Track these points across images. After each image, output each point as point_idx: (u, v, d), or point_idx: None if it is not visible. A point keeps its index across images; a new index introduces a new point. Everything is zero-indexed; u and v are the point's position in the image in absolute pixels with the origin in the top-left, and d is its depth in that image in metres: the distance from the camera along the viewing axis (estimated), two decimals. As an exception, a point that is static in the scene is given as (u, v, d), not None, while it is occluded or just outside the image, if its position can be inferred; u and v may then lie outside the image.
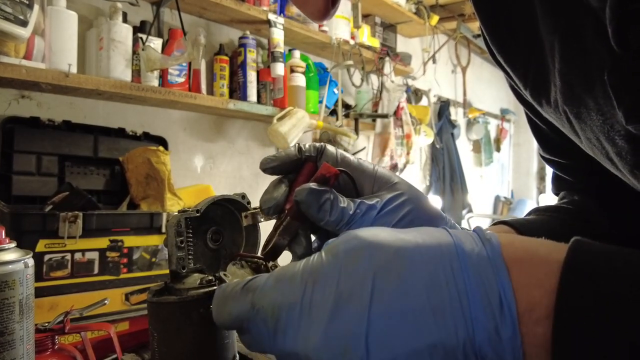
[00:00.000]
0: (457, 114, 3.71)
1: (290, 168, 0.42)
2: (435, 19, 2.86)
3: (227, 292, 0.33)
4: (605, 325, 0.24)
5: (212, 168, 1.92)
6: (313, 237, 0.43)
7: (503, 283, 0.27)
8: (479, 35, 3.40)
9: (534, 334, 0.26)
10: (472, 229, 0.31)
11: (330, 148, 0.42)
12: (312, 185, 0.37)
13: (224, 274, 0.38)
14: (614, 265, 0.26)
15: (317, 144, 0.43)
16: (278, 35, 1.81)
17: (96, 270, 1.15)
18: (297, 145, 0.42)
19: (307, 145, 0.42)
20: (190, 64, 1.63)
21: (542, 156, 0.61)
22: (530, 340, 0.26)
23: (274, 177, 0.43)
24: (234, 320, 0.32)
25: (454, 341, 0.27)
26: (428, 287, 0.27)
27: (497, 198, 4.45)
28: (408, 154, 2.48)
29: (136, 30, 1.50)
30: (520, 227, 0.51)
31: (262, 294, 0.31)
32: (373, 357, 0.27)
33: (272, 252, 0.40)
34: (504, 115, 4.45)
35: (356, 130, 2.30)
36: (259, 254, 0.42)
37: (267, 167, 0.41)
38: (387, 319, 0.27)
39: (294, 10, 2.01)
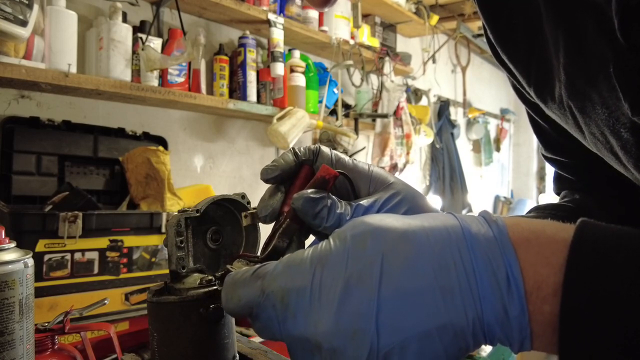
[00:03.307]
0: (457, 114, 3.71)
1: (291, 174, 0.42)
2: (435, 18, 2.86)
3: (237, 278, 0.33)
4: (614, 302, 0.24)
5: (212, 168, 1.92)
6: (309, 240, 0.43)
7: (510, 262, 0.27)
8: (479, 35, 3.41)
9: (541, 311, 0.26)
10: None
11: (325, 149, 0.42)
12: (310, 192, 0.37)
13: (231, 267, 0.38)
14: (621, 242, 0.26)
15: (312, 147, 0.43)
16: (278, 35, 1.81)
17: (96, 270, 1.15)
18: (292, 149, 0.42)
19: (302, 149, 0.42)
20: (190, 63, 1.63)
21: (543, 155, 0.61)
22: (537, 318, 0.26)
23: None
24: (244, 306, 0.32)
25: (464, 321, 0.27)
26: (436, 269, 0.28)
27: (497, 198, 4.46)
28: (408, 153, 2.48)
29: (136, 30, 1.50)
30: None
31: (271, 279, 0.31)
32: (383, 339, 0.27)
33: (272, 255, 0.40)
34: (503, 115, 4.45)
35: (356, 130, 2.30)
36: (258, 251, 0.42)
37: (270, 177, 0.41)
38: (396, 301, 0.27)
39: (293, 10, 2.01)
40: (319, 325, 0.29)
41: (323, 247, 0.31)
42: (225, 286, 0.34)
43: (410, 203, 0.39)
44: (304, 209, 0.37)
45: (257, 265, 0.33)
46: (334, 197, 0.38)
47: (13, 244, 0.50)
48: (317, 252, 0.31)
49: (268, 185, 0.43)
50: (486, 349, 1.13)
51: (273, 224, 0.42)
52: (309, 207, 0.37)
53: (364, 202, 0.38)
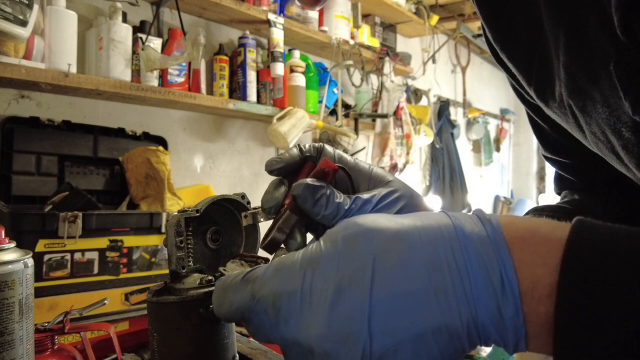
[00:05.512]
0: (456, 114, 3.71)
1: (294, 168, 0.42)
2: (435, 19, 2.86)
3: (227, 283, 0.33)
4: (610, 303, 0.24)
5: (211, 168, 1.92)
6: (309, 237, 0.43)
7: (504, 262, 0.26)
8: (478, 35, 3.40)
9: (536, 312, 0.26)
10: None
11: (329, 148, 0.43)
12: (309, 180, 0.37)
13: (224, 270, 0.38)
14: (618, 242, 0.25)
15: (317, 144, 0.43)
16: (278, 35, 1.81)
17: (96, 270, 1.15)
18: (297, 145, 0.43)
19: (307, 146, 0.43)
20: (189, 63, 1.63)
21: (543, 155, 0.61)
22: (532, 319, 0.26)
23: (274, 177, 0.43)
24: (235, 312, 0.32)
25: (458, 323, 0.26)
26: (429, 269, 0.27)
27: (497, 198, 4.46)
28: (408, 153, 2.48)
29: (136, 30, 1.50)
30: None
31: (261, 284, 0.31)
32: (376, 342, 0.26)
33: (270, 246, 0.40)
34: (503, 115, 4.45)
35: (356, 130, 2.30)
36: (258, 251, 0.42)
37: (273, 168, 0.42)
38: (389, 303, 0.27)
39: (293, 10, 2.01)
40: (310, 329, 0.28)
41: (314, 249, 0.30)
42: (216, 291, 0.34)
43: (407, 200, 0.39)
44: (303, 195, 0.37)
45: (247, 270, 0.33)
46: (332, 187, 0.38)
47: (13, 244, 0.50)
48: (308, 255, 0.30)
49: (268, 184, 0.43)
50: (486, 349, 1.13)
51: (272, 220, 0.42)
52: (308, 193, 0.37)
53: (363, 195, 0.38)
